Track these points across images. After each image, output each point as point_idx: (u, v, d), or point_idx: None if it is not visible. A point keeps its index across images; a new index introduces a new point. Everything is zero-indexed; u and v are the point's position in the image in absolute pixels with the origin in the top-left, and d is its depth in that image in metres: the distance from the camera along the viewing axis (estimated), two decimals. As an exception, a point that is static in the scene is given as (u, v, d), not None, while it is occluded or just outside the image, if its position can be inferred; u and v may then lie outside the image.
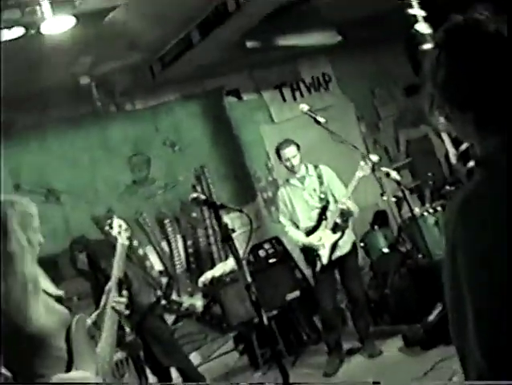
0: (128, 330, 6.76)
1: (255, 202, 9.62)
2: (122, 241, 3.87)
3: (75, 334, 3.21)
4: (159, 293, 7.97)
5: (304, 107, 6.47)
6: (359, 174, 6.55)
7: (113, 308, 3.57)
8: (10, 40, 5.86)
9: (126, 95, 8.86)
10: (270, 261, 8.32)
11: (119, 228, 3.93)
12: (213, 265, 8.86)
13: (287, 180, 7.12)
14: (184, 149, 9.22)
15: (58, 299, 3.27)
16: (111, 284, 3.66)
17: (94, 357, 3.31)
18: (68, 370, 3.13)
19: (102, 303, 3.64)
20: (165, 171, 8.99)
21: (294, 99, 10.39)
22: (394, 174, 6.20)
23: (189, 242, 9.01)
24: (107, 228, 3.95)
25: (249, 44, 8.44)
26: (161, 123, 9.17)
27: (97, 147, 8.65)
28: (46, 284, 3.26)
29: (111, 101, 8.68)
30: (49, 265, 7.99)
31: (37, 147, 8.30)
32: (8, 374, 3.02)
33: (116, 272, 3.72)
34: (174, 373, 7.35)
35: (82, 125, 8.55)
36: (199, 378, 7.10)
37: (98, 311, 3.61)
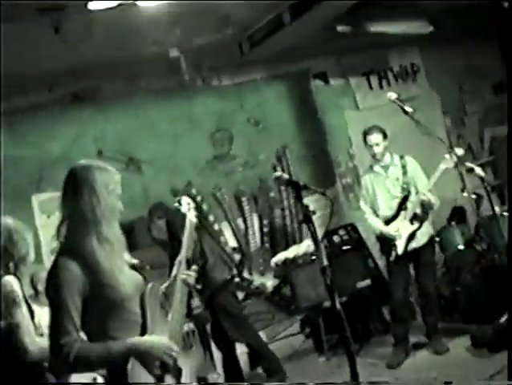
0: (197, 302, 6.86)
1: (334, 187, 9.57)
2: (190, 217, 3.93)
3: (149, 301, 3.27)
4: (234, 271, 8.01)
5: (392, 95, 6.37)
6: (442, 166, 6.45)
7: (183, 280, 3.63)
8: (105, 9, 5.96)
9: (213, 70, 8.91)
10: (344, 247, 8.27)
11: (187, 206, 3.99)
12: (286, 246, 8.86)
13: (371, 167, 7.06)
14: (267, 128, 9.24)
15: (132, 266, 3.33)
16: (181, 257, 3.73)
17: (166, 325, 3.37)
18: (143, 334, 3.18)
19: (172, 274, 3.72)
20: (247, 148, 9.02)
21: (381, 87, 10.28)
22: (478, 170, 6.07)
23: (265, 221, 9.03)
24: (176, 204, 4.00)
25: (339, 28, 8.38)
26: (246, 100, 9.20)
27: (181, 121, 8.75)
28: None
29: (198, 75, 8.72)
30: (124, 232, 8.14)
31: (122, 116, 8.44)
32: (84, 336, 3.07)
33: (186, 246, 3.80)
34: (239, 349, 7.42)
35: (168, 97, 8.66)
36: (270, 355, 7.15)
37: (168, 282, 3.68)
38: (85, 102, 8.18)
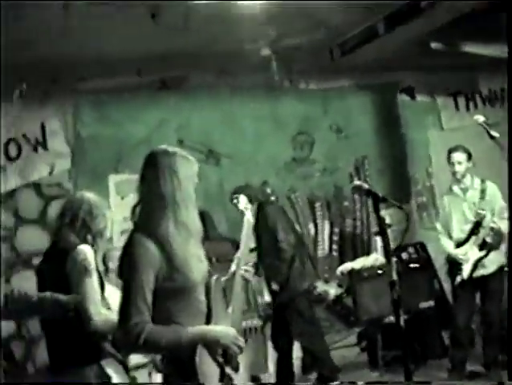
0: (266, 300, 6.93)
1: (408, 204, 9.49)
2: (248, 216, 3.96)
3: (214, 292, 3.30)
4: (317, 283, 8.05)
5: (480, 118, 6.27)
6: None
7: (242, 276, 3.66)
8: (204, 1, 6.03)
9: (302, 73, 8.92)
10: (411, 265, 8.19)
11: (245, 205, 4.02)
12: (354, 257, 8.81)
13: (450, 188, 6.98)
14: (348, 137, 9.21)
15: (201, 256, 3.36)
16: (240, 254, 3.77)
17: (227, 318, 3.40)
18: (207, 324, 3.21)
19: (231, 270, 3.76)
20: (326, 155, 9.01)
21: (468, 109, 10.13)
22: None
23: (336, 229, 9.01)
24: (234, 201, 4.05)
25: (433, 45, 8.29)
26: (331, 107, 9.18)
27: (265, 120, 8.79)
28: None
29: (286, 77, 8.76)
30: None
31: (206, 108, 8.51)
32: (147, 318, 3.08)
33: (244, 243, 3.83)
34: (294, 353, 7.44)
35: (254, 95, 8.71)
36: (332, 365, 7.17)
37: (227, 276, 3.71)
38: (172, 90, 8.29)
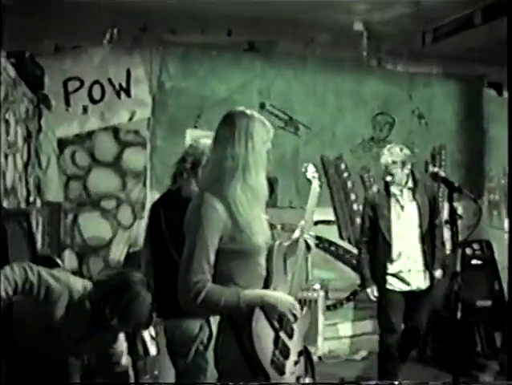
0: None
1: (480, 200, 9.35)
2: (315, 185, 3.94)
3: (275, 257, 3.29)
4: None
5: None
6: None
7: (305, 242, 3.65)
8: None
9: (391, 54, 8.84)
10: (473, 262, 8.10)
11: (313, 173, 4.00)
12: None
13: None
14: (429, 124, 9.06)
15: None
16: (304, 221, 3.73)
17: (286, 284, 3.40)
18: (265, 288, 3.22)
19: (295, 236, 3.72)
20: (405, 139, 8.88)
21: (554, 114, 9.89)
22: None
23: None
24: (303, 169, 4.02)
25: (527, 42, 8.13)
26: (416, 92, 9.04)
27: (348, 95, 8.70)
28: None
29: (375, 55, 8.70)
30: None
31: (291, 76, 8.48)
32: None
33: (309, 211, 3.79)
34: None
35: (340, 69, 8.65)
36: None
37: (290, 242, 3.68)
38: (260, 53, 8.29)
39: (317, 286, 7.81)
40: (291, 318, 3.21)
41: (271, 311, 3.15)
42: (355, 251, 8.49)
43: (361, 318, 8.53)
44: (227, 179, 3.14)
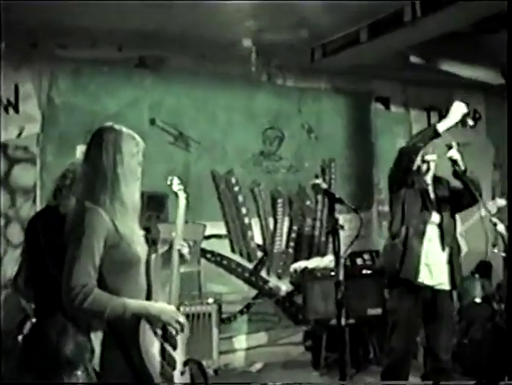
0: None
1: (369, 212, 9.58)
2: (181, 198, 3.97)
3: (153, 270, 3.32)
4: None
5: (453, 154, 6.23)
6: (477, 216, 6.41)
7: (178, 251, 3.65)
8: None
9: (281, 69, 9.02)
10: (364, 271, 8.27)
11: (178, 186, 4.05)
12: (309, 256, 8.92)
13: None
14: (319, 138, 9.25)
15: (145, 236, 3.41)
16: (175, 234, 3.72)
17: (166, 295, 3.43)
18: (147, 299, 3.25)
19: (165, 248, 3.71)
20: (294, 153, 9.06)
21: (438, 130, 10.22)
22: (501, 227, 6.04)
23: (295, 227, 9.06)
24: (168, 182, 4.06)
25: (412, 59, 8.43)
26: (305, 106, 9.22)
27: (238, 110, 8.79)
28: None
29: (265, 70, 8.85)
30: (157, 203, 8.31)
31: (182, 92, 8.51)
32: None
33: (180, 223, 3.77)
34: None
35: (230, 84, 8.72)
36: None
37: (163, 251, 3.69)
38: (150, 69, 8.29)
39: (210, 300, 7.82)
40: (177, 327, 3.25)
41: (156, 322, 3.18)
42: (247, 264, 8.60)
43: (256, 331, 8.63)
44: (97, 192, 3.18)
